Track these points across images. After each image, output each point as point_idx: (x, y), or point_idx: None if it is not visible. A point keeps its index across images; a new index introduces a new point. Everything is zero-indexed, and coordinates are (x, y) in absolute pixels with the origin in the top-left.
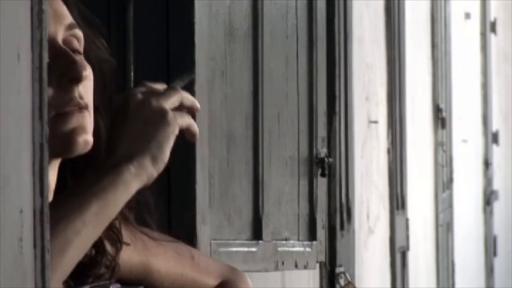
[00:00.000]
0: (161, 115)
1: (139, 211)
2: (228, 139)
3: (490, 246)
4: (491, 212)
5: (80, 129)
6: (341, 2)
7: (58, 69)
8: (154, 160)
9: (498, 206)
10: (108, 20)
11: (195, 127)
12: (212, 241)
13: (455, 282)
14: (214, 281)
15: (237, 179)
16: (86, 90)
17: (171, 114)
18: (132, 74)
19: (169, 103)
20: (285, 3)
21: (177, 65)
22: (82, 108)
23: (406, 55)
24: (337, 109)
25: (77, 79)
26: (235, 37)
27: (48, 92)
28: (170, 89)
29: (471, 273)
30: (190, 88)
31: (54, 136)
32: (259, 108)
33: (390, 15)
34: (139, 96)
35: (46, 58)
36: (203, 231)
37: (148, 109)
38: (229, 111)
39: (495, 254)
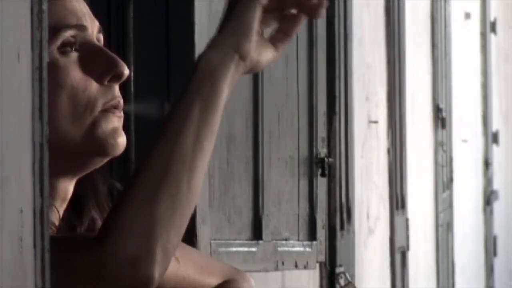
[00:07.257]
0: None
1: None
2: (228, 139)
3: (490, 246)
4: (491, 212)
5: (119, 130)
6: (341, 2)
7: (99, 67)
8: (234, 29)
9: (498, 206)
10: (108, 20)
11: None
12: (212, 241)
13: (455, 282)
14: (216, 282)
15: (237, 179)
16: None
17: None
18: (132, 74)
19: None
20: None
21: (177, 65)
22: (121, 108)
23: (406, 55)
24: (337, 109)
25: (120, 76)
26: None
27: (92, 88)
28: None
29: (471, 273)
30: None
31: (93, 136)
32: (259, 108)
33: (390, 15)
34: None
35: (46, 58)
36: (203, 231)
37: None
38: (229, 111)
39: (495, 254)
